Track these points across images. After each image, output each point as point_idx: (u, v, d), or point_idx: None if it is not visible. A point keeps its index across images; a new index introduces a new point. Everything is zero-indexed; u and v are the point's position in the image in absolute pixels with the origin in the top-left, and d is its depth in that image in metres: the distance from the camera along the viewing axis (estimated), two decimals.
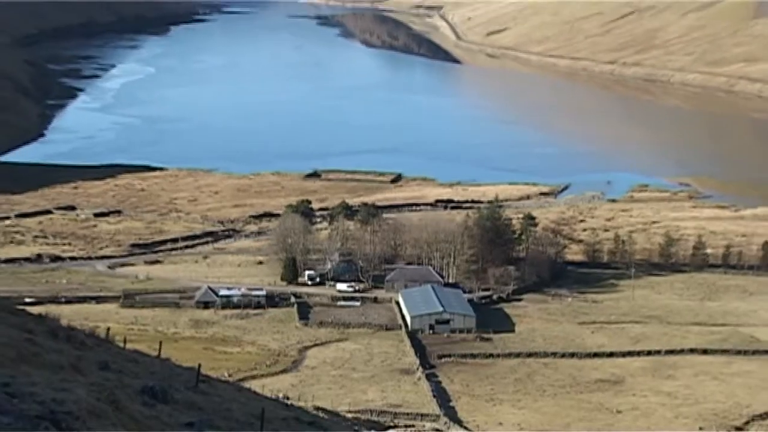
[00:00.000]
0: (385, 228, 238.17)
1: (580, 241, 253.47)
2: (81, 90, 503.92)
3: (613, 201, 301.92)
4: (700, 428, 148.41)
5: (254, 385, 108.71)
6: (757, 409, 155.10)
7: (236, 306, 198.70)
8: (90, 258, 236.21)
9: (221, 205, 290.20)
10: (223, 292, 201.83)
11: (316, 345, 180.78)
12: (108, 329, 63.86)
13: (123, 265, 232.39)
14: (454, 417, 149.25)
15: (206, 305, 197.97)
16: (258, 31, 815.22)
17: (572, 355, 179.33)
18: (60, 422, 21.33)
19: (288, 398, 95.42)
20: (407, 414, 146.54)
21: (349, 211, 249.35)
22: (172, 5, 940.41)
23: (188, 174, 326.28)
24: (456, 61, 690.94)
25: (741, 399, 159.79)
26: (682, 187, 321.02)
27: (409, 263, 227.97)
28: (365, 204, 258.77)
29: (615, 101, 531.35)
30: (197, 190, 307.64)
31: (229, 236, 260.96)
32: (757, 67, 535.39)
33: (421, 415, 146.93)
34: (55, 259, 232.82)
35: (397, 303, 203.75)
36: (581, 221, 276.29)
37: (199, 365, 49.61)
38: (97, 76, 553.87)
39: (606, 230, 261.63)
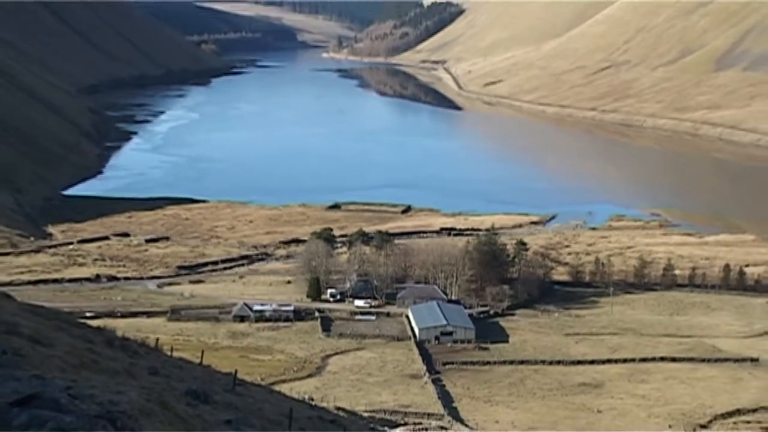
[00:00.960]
0: (397, 252, 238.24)
1: (566, 263, 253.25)
2: (134, 133, 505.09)
3: (594, 229, 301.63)
4: (670, 426, 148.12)
5: (283, 388, 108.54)
6: (719, 410, 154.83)
7: (268, 320, 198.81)
8: (142, 278, 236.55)
9: (255, 233, 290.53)
10: (256, 308, 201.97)
11: (336, 353, 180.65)
12: (157, 340, 63.77)
13: (170, 284, 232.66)
14: (456, 416, 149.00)
15: (242, 319, 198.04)
16: (287, 83, 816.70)
17: (559, 362, 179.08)
18: (116, 421, 21.33)
19: (312, 399, 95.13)
20: (416, 413, 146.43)
21: (365, 238, 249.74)
22: (213, 59, 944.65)
23: (227, 206, 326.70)
24: (458, 108, 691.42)
25: (705, 401, 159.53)
26: (654, 217, 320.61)
27: (417, 282, 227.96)
28: (379, 231, 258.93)
29: (596, 143, 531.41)
30: (234, 220, 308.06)
31: (262, 259, 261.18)
32: (718, 114, 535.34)
33: (428, 414, 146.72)
34: (112, 279, 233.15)
35: (407, 317, 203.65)
36: (566, 246, 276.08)
37: (236, 371, 49.57)
38: (148, 122, 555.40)
39: (588, 254, 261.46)
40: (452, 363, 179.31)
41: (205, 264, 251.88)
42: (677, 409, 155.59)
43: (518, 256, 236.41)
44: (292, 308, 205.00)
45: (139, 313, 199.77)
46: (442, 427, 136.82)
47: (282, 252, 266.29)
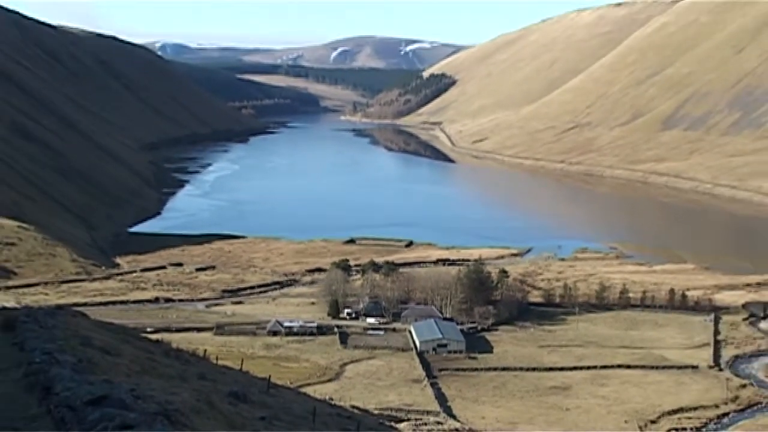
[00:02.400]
0: (401, 279, 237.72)
1: (539, 288, 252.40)
2: (187, 181, 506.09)
3: (563, 260, 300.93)
4: (626, 421, 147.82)
5: (308, 390, 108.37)
6: (666, 408, 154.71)
7: (296, 334, 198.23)
8: (192, 300, 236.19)
9: (285, 263, 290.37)
10: (286, 324, 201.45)
11: (352, 362, 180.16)
12: (205, 350, 63.78)
13: (216, 305, 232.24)
14: (450, 413, 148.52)
15: (274, 333, 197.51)
16: (311, 140, 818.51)
17: (534, 369, 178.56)
18: (171, 417, 21.37)
19: (332, 399, 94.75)
20: (417, 411, 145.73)
21: (375, 267, 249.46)
22: (251, 121, 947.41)
23: (262, 240, 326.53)
24: (451, 161, 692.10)
25: (654, 401, 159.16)
26: (612, 249, 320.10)
27: (418, 304, 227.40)
28: (387, 262, 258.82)
29: (564, 189, 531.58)
30: (268, 252, 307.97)
31: (290, 285, 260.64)
32: (664, 165, 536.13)
33: (427, 411, 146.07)
34: (168, 300, 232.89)
35: (410, 332, 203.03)
36: (540, 274, 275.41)
37: (269, 376, 49.60)
38: (198, 172, 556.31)
39: (557, 280, 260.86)
40: (447, 369, 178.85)
41: (245, 288, 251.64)
42: (631, 408, 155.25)
43: (501, 282, 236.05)
44: (315, 324, 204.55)
45: (190, 328, 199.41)
46: (438, 422, 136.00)
47: (307, 279, 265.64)
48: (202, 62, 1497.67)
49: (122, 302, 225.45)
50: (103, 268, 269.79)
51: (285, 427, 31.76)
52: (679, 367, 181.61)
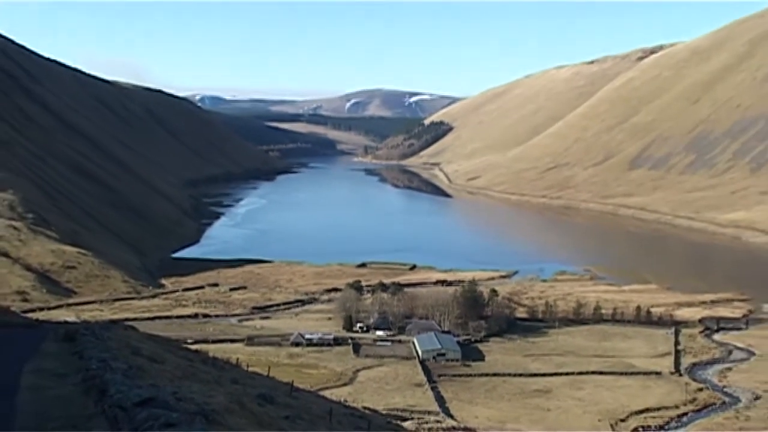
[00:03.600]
0: (406, 297, 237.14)
1: (525, 305, 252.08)
2: (222, 213, 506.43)
3: (544, 281, 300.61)
4: (599, 420, 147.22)
5: (326, 393, 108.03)
6: (634, 408, 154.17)
7: (315, 345, 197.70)
8: (227, 315, 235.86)
9: (306, 283, 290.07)
10: (307, 336, 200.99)
11: (364, 369, 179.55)
12: (237, 359, 63.67)
13: (247, 319, 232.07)
14: (448, 413, 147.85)
15: (297, 344, 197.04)
16: (329, 179, 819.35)
17: (520, 375, 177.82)
18: (208, 416, 21.43)
19: (347, 401, 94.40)
20: (419, 411, 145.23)
21: (384, 287, 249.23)
22: (277, 162, 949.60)
23: (286, 264, 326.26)
24: (448, 196, 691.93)
25: (624, 402, 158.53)
26: (587, 272, 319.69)
27: (420, 318, 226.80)
28: (394, 282, 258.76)
29: (545, 221, 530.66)
30: (292, 274, 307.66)
31: (311, 302, 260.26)
32: (632, 200, 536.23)
33: (428, 411, 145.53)
34: (206, 316, 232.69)
35: (413, 343, 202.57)
36: (525, 293, 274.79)
37: (293, 381, 49.52)
38: (231, 205, 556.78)
39: (540, 298, 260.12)
40: (445, 375, 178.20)
41: (272, 305, 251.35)
42: (604, 408, 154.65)
43: (491, 299, 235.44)
44: (332, 336, 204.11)
45: (224, 340, 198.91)
46: (437, 421, 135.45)
47: (325, 297, 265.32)
48: (235, 112, 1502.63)
49: (166, 317, 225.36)
50: (150, 288, 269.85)
51: (306, 426, 31.76)
52: (645, 373, 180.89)
